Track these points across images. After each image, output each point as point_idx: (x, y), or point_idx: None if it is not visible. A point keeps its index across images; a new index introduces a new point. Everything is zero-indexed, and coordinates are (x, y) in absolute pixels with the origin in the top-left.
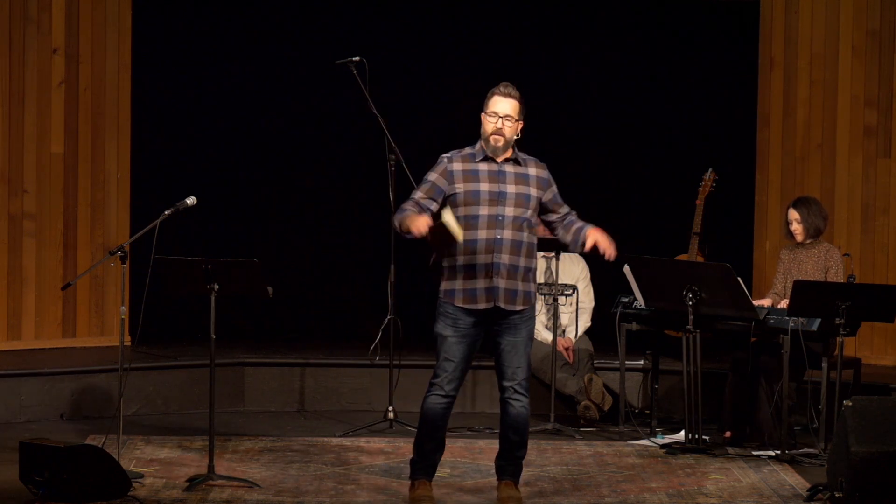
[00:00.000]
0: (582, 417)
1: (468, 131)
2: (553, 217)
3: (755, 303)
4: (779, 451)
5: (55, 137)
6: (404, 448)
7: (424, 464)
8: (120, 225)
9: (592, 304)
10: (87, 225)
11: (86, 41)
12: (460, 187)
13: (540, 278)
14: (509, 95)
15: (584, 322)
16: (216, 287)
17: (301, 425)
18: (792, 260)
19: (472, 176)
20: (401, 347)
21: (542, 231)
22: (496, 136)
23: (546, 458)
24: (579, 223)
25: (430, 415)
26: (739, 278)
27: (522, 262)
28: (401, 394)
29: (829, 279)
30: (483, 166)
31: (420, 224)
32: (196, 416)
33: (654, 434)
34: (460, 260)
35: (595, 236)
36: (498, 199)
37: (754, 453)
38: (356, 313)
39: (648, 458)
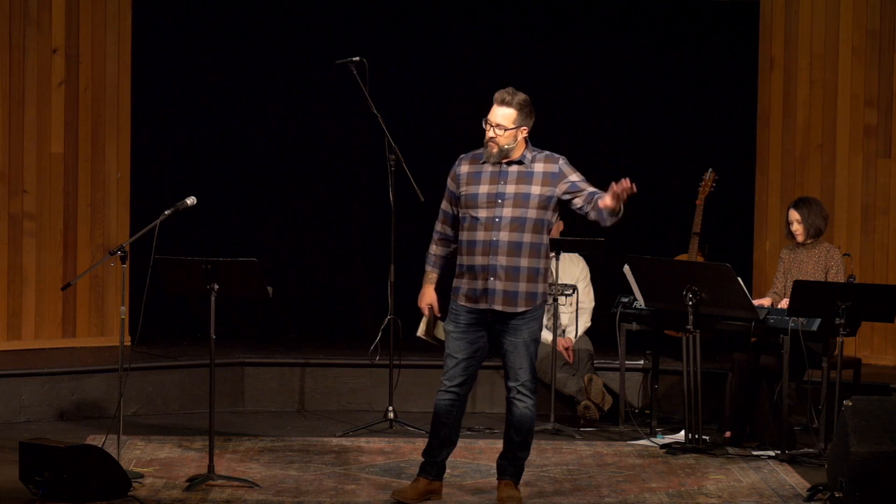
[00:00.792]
0: (582, 417)
1: (468, 131)
2: (578, 202)
3: (755, 303)
4: (779, 451)
5: (55, 137)
6: (404, 448)
7: (426, 461)
8: (120, 225)
9: (592, 304)
10: (87, 225)
11: (86, 41)
12: (464, 189)
13: None
14: (504, 103)
15: (584, 322)
16: (216, 287)
17: (301, 425)
18: (792, 260)
19: (474, 178)
20: (401, 347)
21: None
22: (490, 144)
23: (546, 458)
24: (599, 194)
25: (436, 411)
26: (739, 278)
27: (525, 262)
28: (401, 394)
29: (829, 279)
30: (487, 167)
31: (422, 305)
32: (196, 416)
33: (654, 434)
34: (464, 260)
35: (610, 194)
36: (496, 200)
37: (754, 453)
38: (356, 313)
39: (648, 458)
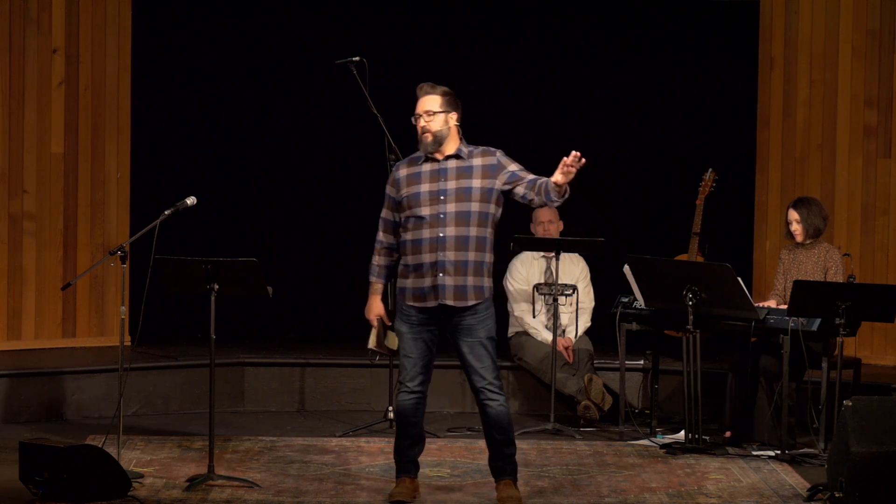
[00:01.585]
0: (582, 417)
1: (468, 131)
2: (520, 190)
3: (758, 305)
4: (779, 451)
5: (55, 137)
6: None
7: (403, 461)
8: (120, 225)
9: (592, 304)
10: (87, 225)
11: (86, 41)
12: (404, 192)
13: (540, 278)
14: (427, 93)
15: (584, 322)
16: (216, 287)
17: (301, 425)
18: (792, 260)
19: (414, 179)
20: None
21: (541, 231)
22: (424, 135)
23: (546, 458)
24: (543, 179)
25: (401, 412)
26: (739, 278)
27: (472, 256)
28: None
29: (828, 279)
30: (426, 167)
31: (371, 317)
32: (196, 416)
33: (654, 434)
34: (409, 259)
35: (561, 169)
36: (438, 197)
37: (754, 453)
38: (356, 313)
39: (648, 458)
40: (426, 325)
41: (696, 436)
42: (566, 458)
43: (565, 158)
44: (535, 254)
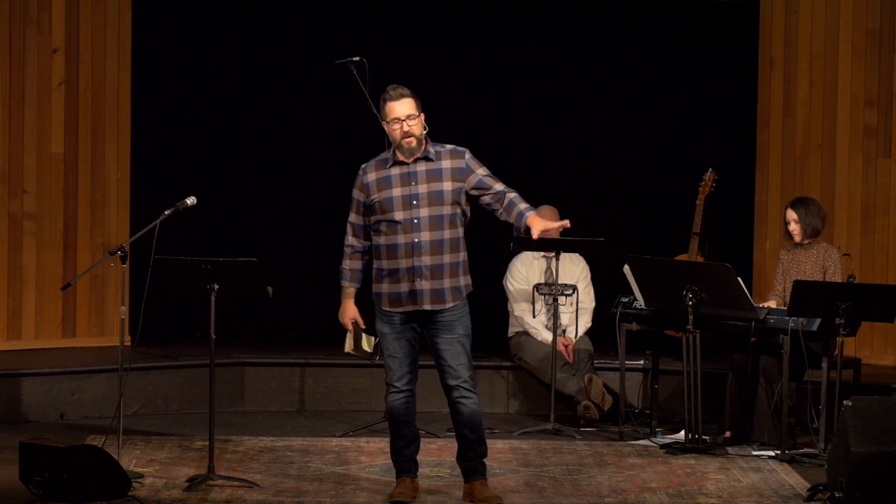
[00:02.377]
0: (582, 417)
1: (468, 131)
2: (486, 199)
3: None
4: (779, 451)
5: (55, 137)
6: None
7: (402, 461)
8: (120, 225)
9: (593, 304)
10: (87, 225)
11: (86, 41)
12: (375, 196)
13: (540, 278)
14: (402, 96)
15: (585, 322)
16: (216, 287)
17: (301, 425)
18: (791, 260)
19: (384, 183)
20: None
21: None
22: (407, 140)
23: (546, 458)
24: (520, 207)
25: (393, 413)
26: (739, 278)
27: (447, 258)
28: None
29: (827, 279)
30: (395, 171)
31: (345, 320)
32: (196, 416)
33: (654, 434)
34: (384, 264)
35: (537, 225)
36: (411, 201)
37: (754, 453)
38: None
39: (648, 458)
40: (407, 326)
41: (696, 436)
42: (566, 458)
43: (539, 231)
44: (535, 254)
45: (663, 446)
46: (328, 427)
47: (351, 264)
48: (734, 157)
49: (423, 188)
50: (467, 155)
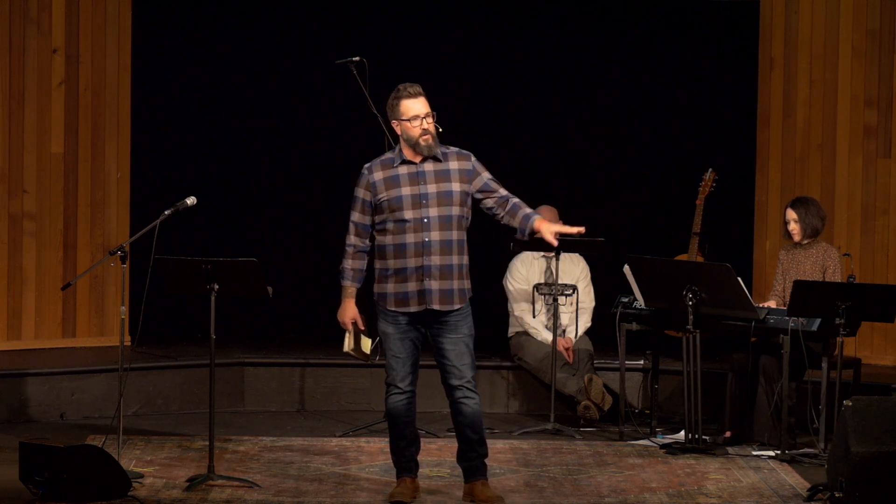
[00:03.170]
0: (582, 417)
1: (468, 130)
2: (489, 202)
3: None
4: (779, 451)
5: (55, 137)
6: None
7: (402, 461)
8: (120, 225)
9: (593, 304)
10: (87, 225)
11: (86, 41)
12: (383, 195)
13: (540, 278)
14: (419, 94)
15: (585, 322)
16: (216, 287)
17: (301, 425)
18: (790, 260)
19: (392, 182)
20: None
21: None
22: (426, 137)
23: (546, 458)
24: (526, 210)
25: (394, 413)
26: (739, 278)
27: (455, 260)
28: None
29: (826, 279)
30: (403, 170)
31: (346, 320)
32: (196, 416)
33: (654, 434)
34: (391, 264)
35: (544, 228)
36: (420, 201)
37: (754, 453)
38: None
39: (648, 458)
40: (412, 326)
41: (696, 436)
42: (566, 458)
43: (569, 230)
44: (535, 254)
45: (663, 446)
46: (328, 427)
47: (353, 264)
48: (734, 157)
49: (432, 188)
50: (473, 157)
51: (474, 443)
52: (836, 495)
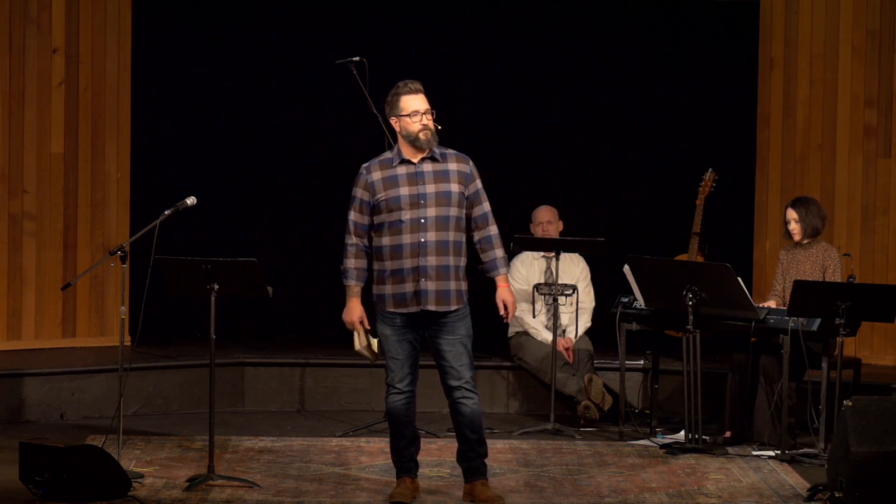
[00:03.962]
0: (582, 417)
1: (468, 131)
2: (471, 214)
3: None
4: (779, 451)
5: (55, 137)
6: None
7: (402, 461)
8: (120, 225)
9: (593, 304)
10: (87, 225)
11: (86, 41)
12: (381, 195)
13: (540, 278)
14: (419, 90)
15: (585, 322)
16: (216, 287)
17: (301, 425)
18: (790, 260)
19: (391, 182)
20: None
21: (540, 231)
22: (425, 132)
23: (546, 458)
24: (497, 254)
25: (394, 414)
26: (739, 278)
27: (452, 261)
28: None
29: (826, 279)
30: (401, 170)
31: (353, 320)
32: (196, 416)
33: (654, 434)
34: (388, 265)
35: (502, 294)
36: (418, 201)
37: (754, 453)
38: None
39: (648, 458)
40: (410, 328)
41: (696, 436)
42: (566, 458)
43: (509, 317)
44: (535, 254)
45: (663, 446)
46: (328, 427)
47: (356, 263)
48: (734, 157)
49: (431, 188)
50: (471, 162)
51: (474, 443)
52: (836, 495)
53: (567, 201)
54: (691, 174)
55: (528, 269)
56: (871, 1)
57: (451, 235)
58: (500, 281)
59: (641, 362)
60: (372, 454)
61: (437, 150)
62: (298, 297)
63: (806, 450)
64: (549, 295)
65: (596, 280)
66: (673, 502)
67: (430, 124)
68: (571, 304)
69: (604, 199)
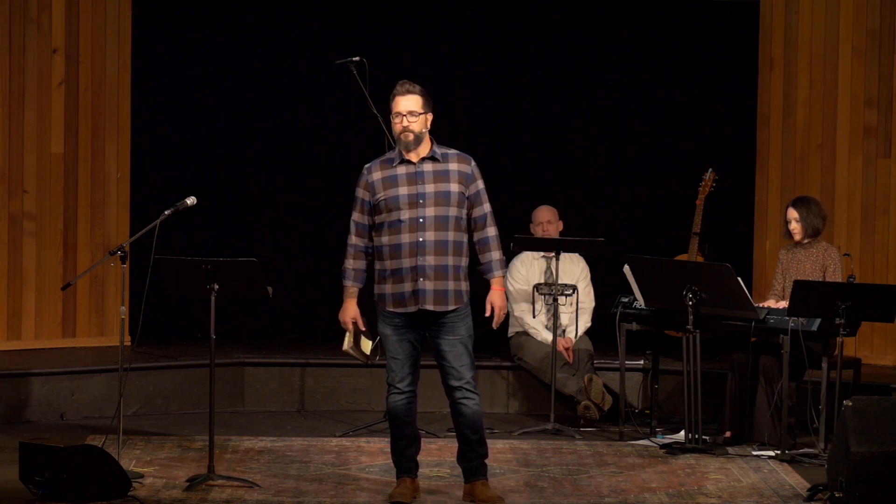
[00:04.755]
0: (582, 417)
1: (468, 130)
2: (471, 213)
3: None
4: (779, 451)
5: (55, 137)
6: None
7: (402, 461)
8: (120, 225)
9: (593, 304)
10: (87, 225)
11: (86, 41)
12: (381, 195)
13: (540, 278)
14: (408, 92)
15: (585, 322)
16: (216, 287)
17: (301, 425)
18: (790, 260)
19: (390, 181)
20: None
21: (540, 231)
22: (405, 134)
23: (546, 458)
24: (493, 256)
25: (394, 414)
26: (739, 278)
27: (451, 261)
28: None
29: (826, 278)
30: (401, 169)
31: (346, 319)
32: (196, 416)
33: (654, 434)
34: (388, 264)
35: (493, 298)
36: (417, 201)
37: (754, 453)
38: None
39: (648, 458)
40: (410, 328)
41: (696, 436)
42: (566, 458)
43: (496, 323)
44: (535, 254)
45: (663, 446)
46: (328, 427)
47: (354, 264)
48: (734, 157)
49: (430, 188)
50: (473, 162)
51: (474, 443)
52: (836, 495)
53: (567, 201)
54: (691, 174)
55: (528, 269)
56: (871, 1)
57: (451, 235)
58: (493, 283)
59: (641, 362)
60: (372, 454)
61: (438, 151)
62: (298, 297)
63: (806, 450)
64: (549, 295)
65: (596, 280)
66: (673, 502)
67: (412, 127)
68: (571, 304)
69: (604, 199)
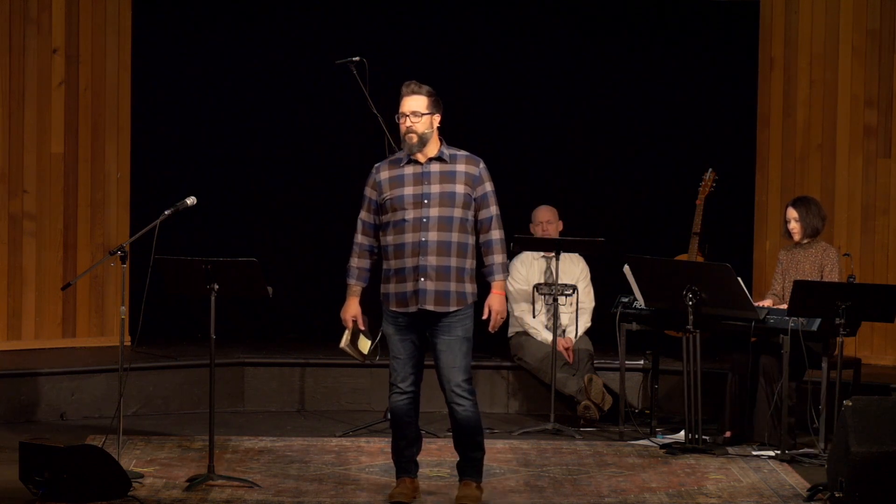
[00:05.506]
0: (582, 417)
1: (468, 130)
2: (477, 215)
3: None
4: (779, 451)
5: (55, 137)
6: None
7: (402, 461)
8: (120, 225)
9: (593, 304)
10: (87, 225)
11: (86, 41)
12: (387, 194)
13: (540, 278)
14: (414, 92)
15: (585, 322)
16: (216, 287)
17: (301, 425)
18: (790, 260)
19: (397, 181)
20: None
21: (540, 231)
22: (409, 135)
23: (546, 458)
24: (496, 259)
25: (395, 413)
26: (739, 278)
27: (454, 262)
28: None
29: (825, 278)
30: (408, 169)
31: (346, 317)
32: (196, 416)
33: (654, 434)
34: (392, 264)
35: (492, 301)
36: (422, 201)
37: (754, 453)
38: None
39: (648, 458)
40: (412, 328)
41: (696, 436)
42: (566, 458)
43: (492, 327)
44: (535, 254)
45: (663, 446)
46: (328, 427)
47: (359, 262)
48: (734, 157)
49: (435, 188)
50: (482, 164)
51: (467, 448)
52: (836, 495)
53: (567, 201)
54: (691, 174)
55: (528, 269)
56: (871, 1)
57: (455, 236)
58: (494, 287)
59: (641, 362)
60: (372, 454)
61: (446, 151)
62: (298, 297)
63: (806, 450)
64: (549, 295)
65: (596, 280)
66: (673, 502)
67: (416, 127)
68: (571, 304)
69: (604, 199)
